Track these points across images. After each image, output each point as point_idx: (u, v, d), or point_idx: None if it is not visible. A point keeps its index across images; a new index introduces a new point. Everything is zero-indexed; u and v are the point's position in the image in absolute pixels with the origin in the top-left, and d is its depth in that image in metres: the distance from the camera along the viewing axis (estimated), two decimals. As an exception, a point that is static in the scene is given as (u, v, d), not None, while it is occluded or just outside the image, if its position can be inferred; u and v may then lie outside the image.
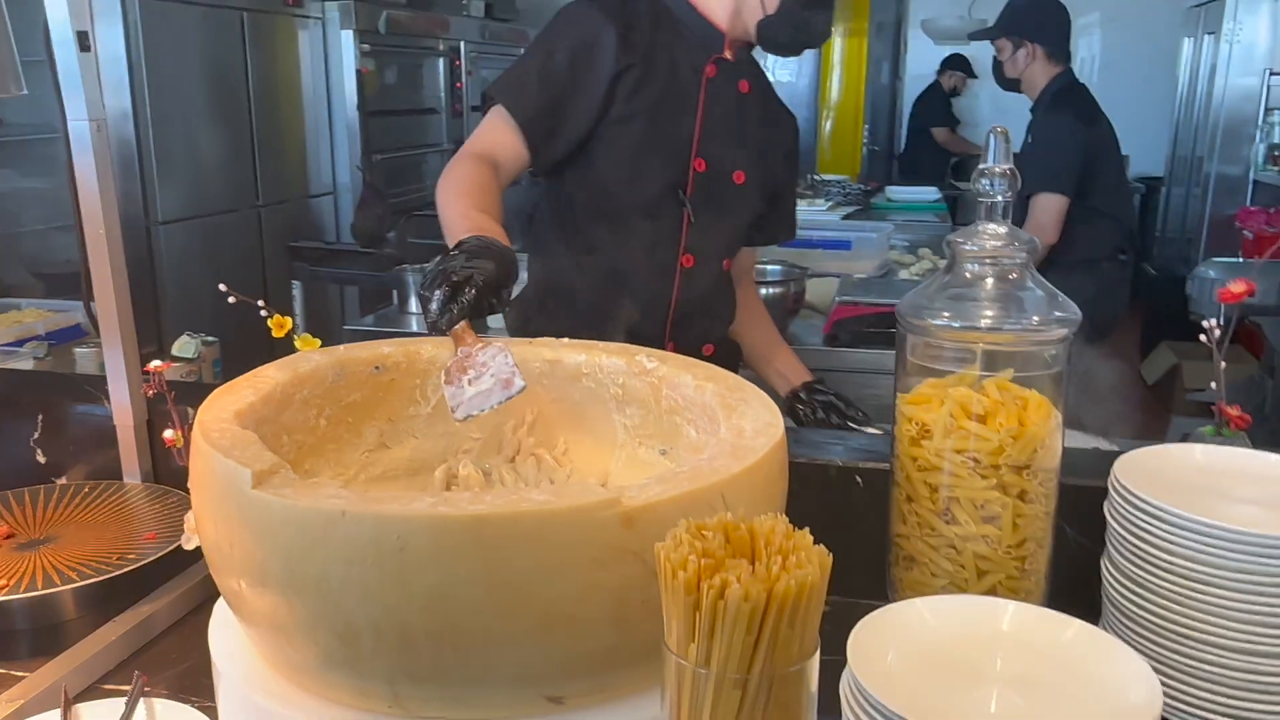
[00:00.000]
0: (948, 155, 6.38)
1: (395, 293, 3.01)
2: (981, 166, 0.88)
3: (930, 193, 5.22)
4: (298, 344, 1.07)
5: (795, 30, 1.56)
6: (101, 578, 1.03)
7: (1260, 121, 5.19)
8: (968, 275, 0.89)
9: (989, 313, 0.87)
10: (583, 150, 1.55)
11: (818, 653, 0.60)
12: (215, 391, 0.89)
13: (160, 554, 1.08)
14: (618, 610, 0.70)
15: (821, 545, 0.61)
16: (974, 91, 6.74)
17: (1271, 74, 5.14)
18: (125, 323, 1.21)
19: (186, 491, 1.17)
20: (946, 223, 4.71)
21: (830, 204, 4.67)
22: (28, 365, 1.91)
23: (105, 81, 3.77)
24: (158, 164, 3.68)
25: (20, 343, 2.01)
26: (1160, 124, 6.16)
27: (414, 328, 2.81)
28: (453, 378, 0.97)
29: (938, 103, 6.50)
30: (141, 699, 0.88)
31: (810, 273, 2.89)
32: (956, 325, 0.87)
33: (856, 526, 1.07)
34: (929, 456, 0.89)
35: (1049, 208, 3.01)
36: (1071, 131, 3.06)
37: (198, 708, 0.89)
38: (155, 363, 1.03)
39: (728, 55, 1.61)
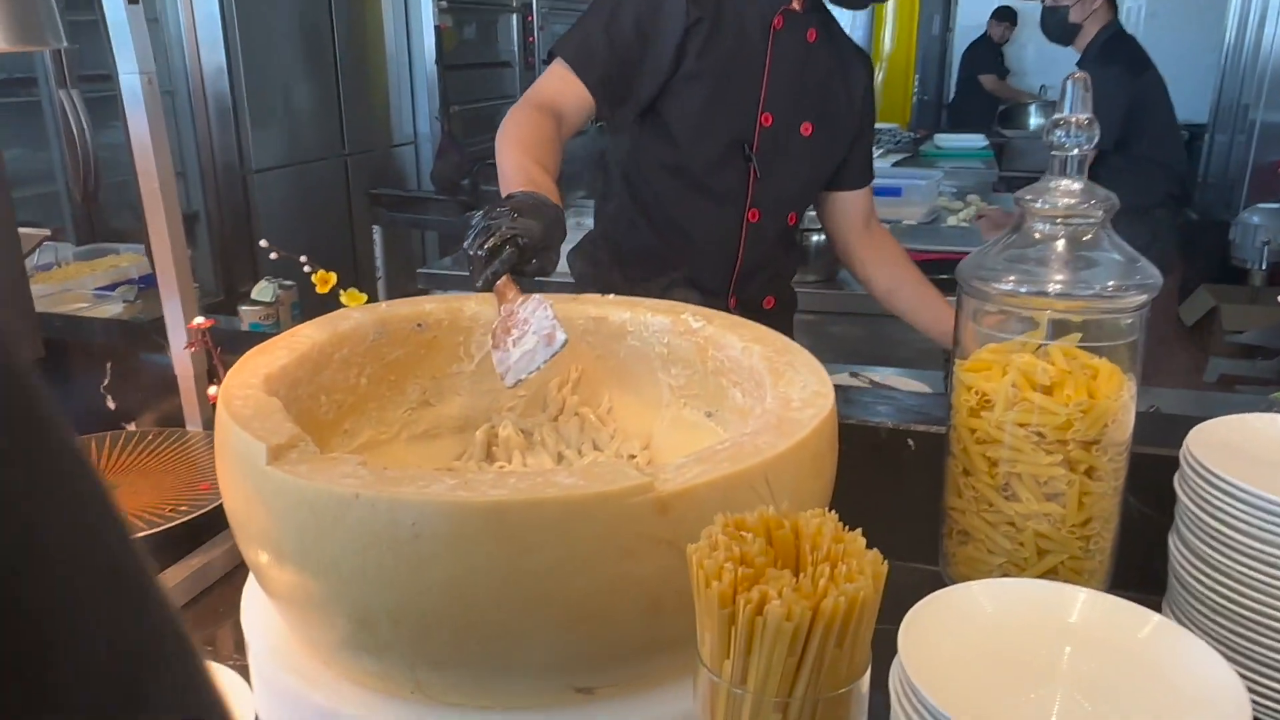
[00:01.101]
0: (995, 104, 6.05)
1: (467, 237, 2.90)
2: (1057, 116, 0.73)
3: (977, 140, 4.95)
4: (344, 299, 0.97)
5: None
6: (154, 530, 0.95)
7: (1308, 70, 4.81)
8: (1037, 235, 0.75)
9: (1059, 277, 0.73)
10: (651, 105, 1.40)
11: (869, 672, 0.49)
12: (249, 352, 0.79)
13: (212, 506, 0.99)
14: (651, 602, 0.59)
15: (876, 550, 0.49)
16: (1021, 41, 6.37)
17: (1322, 22, 4.75)
18: (182, 274, 1.11)
19: (245, 440, 1.08)
20: (993, 169, 4.47)
21: (881, 152, 4.45)
22: (118, 308, 1.84)
23: (202, 39, 3.66)
24: (252, 116, 3.61)
25: (113, 286, 1.95)
26: (1205, 72, 5.75)
27: (484, 271, 2.71)
28: (499, 340, 0.86)
29: (987, 52, 6.14)
30: (181, 659, 0.80)
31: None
32: (1023, 290, 0.73)
33: (907, 490, 0.95)
34: (989, 429, 0.76)
35: None
36: (1117, 85, 2.82)
37: (238, 666, 0.81)
38: (198, 319, 0.94)
39: (795, 5, 1.42)
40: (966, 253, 2.49)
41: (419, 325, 0.92)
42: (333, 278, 0.96)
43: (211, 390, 0.95)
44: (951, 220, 3.14)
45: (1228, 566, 0.73)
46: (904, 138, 5.03)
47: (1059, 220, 0.74)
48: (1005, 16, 6.08)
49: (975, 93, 6.10)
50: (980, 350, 0.80)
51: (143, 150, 1.07)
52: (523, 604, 0.58)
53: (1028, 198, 0.75)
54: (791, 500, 0.65)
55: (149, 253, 1.18)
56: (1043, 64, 6.38)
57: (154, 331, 1.26)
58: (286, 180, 3.79)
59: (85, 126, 3.15)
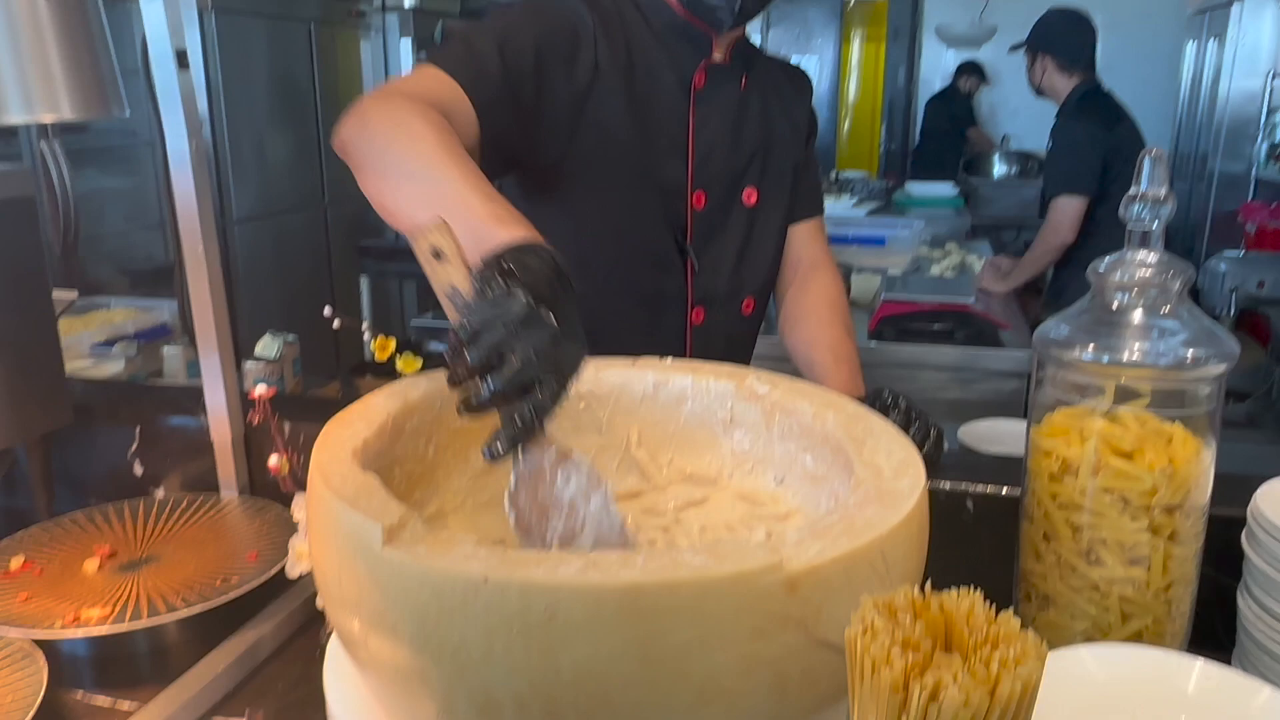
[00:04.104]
0: (960, 152, 6.21)
1: (457, 289, 2.90)
2: (1134, 190, 0.75)
3: (948, 188, 5.08)
4: (400, 365, 0.96)
5: None
6: (206, 606, 0.93)
7: (1263, 121, 5.00)
8: (1114, 306, 0.77)
9: (1139, 345, 0.75)
10: (547, 186, 1.13)
11: (1031, 754, 0.49)
12: (328, 425, 0.78)
13: (263, 578, 0.97)
14: (777, 681, 0.59)
15: (1032, 631, 0.50)
16: (988, 93, 6.55)
17: (1275, 76, 4.94)
18: (223, 338, 1.10)
19: (285, 505, 1.07)
20: (965, 217, 4.60)
21: (855, 200, 4.54)
22: (120, 365, 1.82)
23: (183, 89, 3.60)
24: (232, 166, 3.59)
25: (111, 343, 1.91)
26: (1162, 124, 5.94)
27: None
28: (523, 515, 0.70)
29: (958, 104, 6.31)
30: (255, 741, 0.78)
31: (855, 269, 2.77)
32: (1105, 360, 0.75)
33: (968, 553, 0.96)
34: (1072, 494, 0.78)
35: (1066, 209, 2.92)
36: (1090, 136, 2.94)
37: (308, 747, 0.79)
38: (260, 387, 0.93)
39: (718, 57, 1.17)
40: (957, 304, 2.55)
41: (483, 392, 0.92)
42: (392, 344, 0.96)
43: (272, 460, 0.94)
44: (934, 270, 3.21)
45: (1304, 627, 0.75)
46: (875, 186, 5.13)
47: (1134, 290, 0.76)
48: (973, 71, 6.28)
49: (941, 142, 6.25)
50: (1054, 415, 0.81)
51: (188, 213, 1.06)
52: (652, 685, 0.57)
53: (1102, 270, 0.77)
54: (901, 574, 0.66)
55: (182, 313, 1.17)
56: (1005, 114, 6.56)
57: (181, 396, 1.24)
58: (266, 231, 3.77)
59: (66, 178, 3.11)
